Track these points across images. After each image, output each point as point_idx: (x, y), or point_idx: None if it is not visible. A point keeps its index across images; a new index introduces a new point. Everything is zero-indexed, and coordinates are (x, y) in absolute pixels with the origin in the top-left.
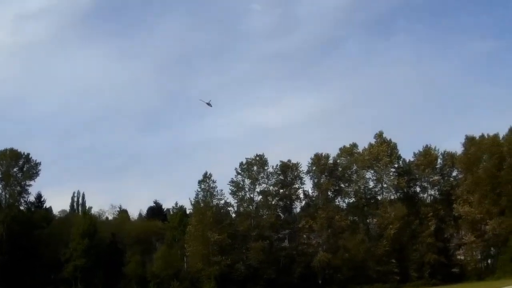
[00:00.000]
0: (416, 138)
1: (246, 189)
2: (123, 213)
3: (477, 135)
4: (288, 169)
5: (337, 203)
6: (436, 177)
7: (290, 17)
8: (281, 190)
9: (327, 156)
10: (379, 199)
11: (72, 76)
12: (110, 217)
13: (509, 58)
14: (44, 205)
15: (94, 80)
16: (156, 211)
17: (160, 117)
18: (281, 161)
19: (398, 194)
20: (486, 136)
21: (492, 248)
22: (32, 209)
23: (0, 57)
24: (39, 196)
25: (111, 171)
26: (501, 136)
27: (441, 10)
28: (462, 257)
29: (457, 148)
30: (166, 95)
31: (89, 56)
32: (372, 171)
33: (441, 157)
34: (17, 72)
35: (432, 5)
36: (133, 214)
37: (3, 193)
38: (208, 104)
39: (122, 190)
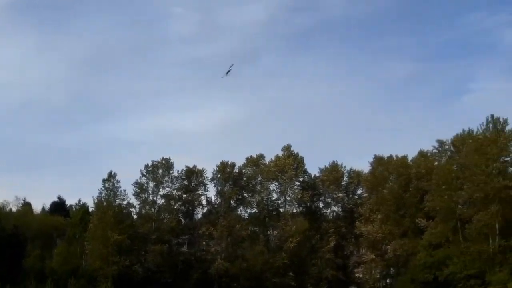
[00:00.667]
0: (324, 154)
1: (150, 192)
2: (26, 205)
3: (386, 155)
4: (192, 174)
5: (239, 212)
6: (340, 194)
7: (211, 25)
8: (184, 195)
9: (233, 165)
10: (282, 211)
11: None
12: (14, 209)
13: (424, 82)
14: None
15: (5, 73)
16: (59, 206)
17: (71, 115)
18: (186, 166)
19: (301, 208)
20: (395, 157)
21: (391, 268)
22: None
23: None
24: None
25: (18, 164)
26: (410, 158)
27: (358, 30)
28: (361, 275)
29: (364, 167)
30: (80, 94)
31: (2, 48)
32: (276, 183)
33: (347, 174)
34: None
35: (349, 24)
36: (37, 208)
37: None
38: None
39: (28, 184)
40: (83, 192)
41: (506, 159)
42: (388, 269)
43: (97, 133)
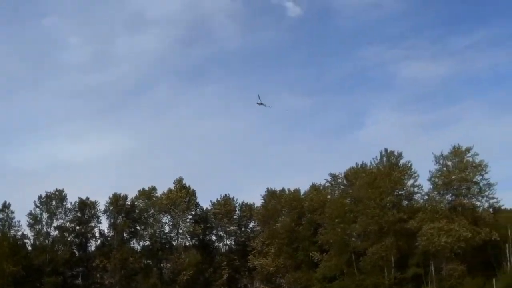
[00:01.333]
0: (216, 187)
1: (44, 223)
2: None
3: (278, 189)
4: (86, 206)
5: (132, 245)
6: (233, 227)
7: (105, 55)
8: (78, 227)
9: (125, 197)
10: (174, 244)
11: None
12: None
13: (319, 115)
14: None
15: None
16: None
17: None
18: (79, 198)
19: (193, 241)
20: (287, 191)
21: None
22: None
23: None
24: None
25: None
26: (302, 191)
27: (254, 62)
28: None
29: (257, 200)
30: None
31: None
32: (169, 216)
33: (239, 207)
34: None
35: (245, 57)
36: None
37: None
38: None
39: None
40: None
41: (400, 192)
42: None
43: None
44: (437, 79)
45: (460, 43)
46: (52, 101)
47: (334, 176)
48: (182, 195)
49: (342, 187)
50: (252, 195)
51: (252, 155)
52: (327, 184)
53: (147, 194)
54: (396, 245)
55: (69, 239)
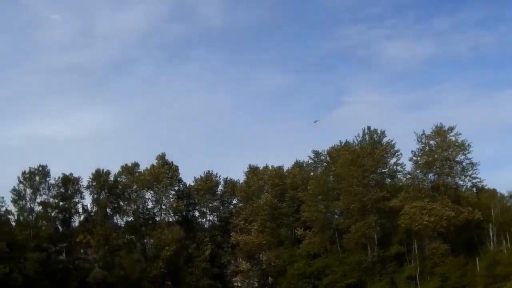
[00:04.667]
0: (199, 164)
1: (27, 199)
2: None
3: (261, 166)
4: (69, 182)
5: (115, 220)
6: (215, 203)
7: (88, 32)
8: (61, 203)
9: (108, 173)
10: (157, 220)
11: None
12: None
13: (302, 93)
14: None
15: None
16: None
17: None
18: (63, 174)
19: (176, 216)
20: (270, 168)
21: (269, 278)
22: None
23: None
24: None
25: None
26: (285, 169)
27: (237, 41)
28: (239, 284)
29: (240, 177)
30: None
31: None
32: (152, 192)
33: (222, 183)
34: None
35: (228, 35)
36: None
37: None
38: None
39: None
40: None
41: (383, 170)
42: (266, 278)
43: None
44: (419, 59)
45: (443, 24)
46: (34, 78)
47: (317, 154)
48: (164, 171)
49: (325, 164)
50: (235, 172)
51: (235, 132)
52: (310, 161)
53: (130, 170)
54: (379, 223)
55: (52, 214)
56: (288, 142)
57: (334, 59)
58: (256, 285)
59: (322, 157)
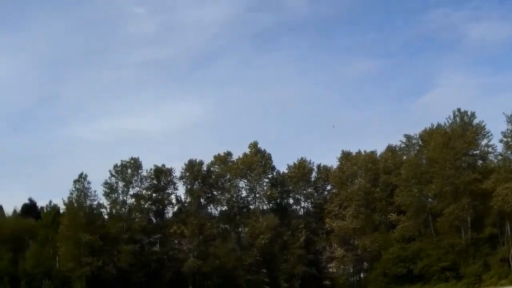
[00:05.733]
0: (292, 151)
1: (120, 192)
2: None
3: (354, 151)
4: (161, 174)
5: (209, 210)
6: (309, 190)
7: (172, 26)
8: (154, 195)
9: (201, 163)
10: (252, 208)
11: None
12: None
13: (391, 78)
14: None
15: None
16: (30, 208)
17: (36, 117)
18: (155, 165)
19: (270, 204)
20: (363, 153)
21: (364, 263)
22: None
23: None
24: None
25: None
26: (378, 153)
27: (323, 29)
28: (334, 270)
29: (333, 163)
30: (42, 96)
31: None
32: (245, 181)
33: (315, 170)
34: None
35: (314, 23)
36: (8, 210)
37: None
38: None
39: None
40: (54, 194)
41: (474, 152)
42: (361, 264)
43: (63, 135)
44: (505, 40)
45: None
46: (122, 73)
47: (408, 138)
48: (257, 159)
49: (417, 148)
50: (328, 158)
51: (326, 118)
52: (402, 145)
53: (222, 160)
54: (471, 205)
55: (145, 206)
56: (379, 126)
57: (421, 43)
58: (351, 270)
59: (414, 140)
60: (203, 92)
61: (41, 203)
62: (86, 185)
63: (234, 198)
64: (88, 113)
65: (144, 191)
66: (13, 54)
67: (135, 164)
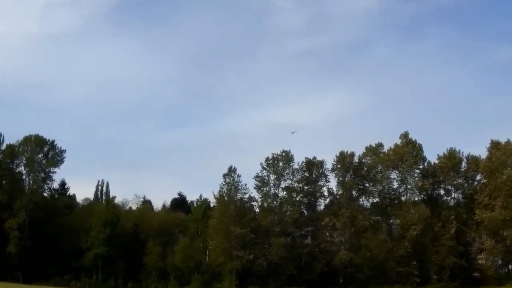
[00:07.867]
0: (441, 141)
1: (271, 185)
2: (146, 203)
3: (503, 140)
4: (313, 166)
5: (361, 202)
6: (459, 181)
7: (321, 17)
8: (306, 187)
9: (352, 155)
10: (403, 200)
11: (98, 68)
12: (134, 207)
13: None
14: (68, 193)
15: (120, 73)
16: (180, 203)
17: (185, 112)
18: (306, 158)
19: (422, 196)
20: None
21: None
22: (56, 196)
23: (29, 45)
24: (63, 183)
25: (135, 162)
26: None
27: (469, 16)
28: (484, 261)
29: (482, 153)
30: (191, 91)
31: (115, 48)
32: (396, 172)
33: (465, 160)
34: (43, 61)
35: (460, 10)
36: (157, 205)
37: (27, 179)
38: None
39: (146, 182)
40: (202, 188)
41: None
42: (510, 256)
43: (213, 128)
44: None
45: None
46: (271, 65)
47: None
48: (408, 150)
49: None
50: (477, 148)
51: (475, 107)
52: None
53: (374, 151)
54: None
55: (297, 199)
56: None
57: None
58: (500, 262)
59: None
60: (352, 83)
61: (190, 197)
62: (236, 179)
63: (385, 190)
64: (237, 106)
65: (295, 184)
66: (164, 50)
67: (287, 157)
